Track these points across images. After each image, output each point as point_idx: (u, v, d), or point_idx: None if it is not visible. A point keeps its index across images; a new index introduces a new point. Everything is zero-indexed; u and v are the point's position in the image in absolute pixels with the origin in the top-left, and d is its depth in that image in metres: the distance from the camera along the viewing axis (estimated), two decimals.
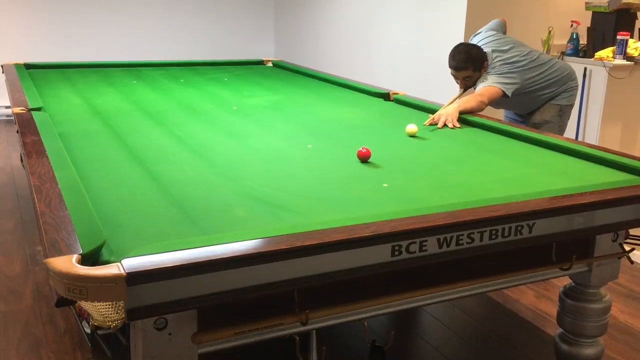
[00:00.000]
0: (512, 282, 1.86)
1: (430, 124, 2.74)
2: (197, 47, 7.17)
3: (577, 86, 3.35)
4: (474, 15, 4.68)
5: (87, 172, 1.93)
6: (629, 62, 4.60)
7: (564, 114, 3.30)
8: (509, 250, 1.65)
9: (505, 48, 3.18)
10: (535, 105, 3.29)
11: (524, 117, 3.38)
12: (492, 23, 3.46)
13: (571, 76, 3.30)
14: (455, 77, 3.17)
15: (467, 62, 3.08)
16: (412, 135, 2.53)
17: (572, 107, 3.35)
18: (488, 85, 3.04)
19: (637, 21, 4.97)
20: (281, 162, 2.14)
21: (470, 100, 2.93)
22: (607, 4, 4.86)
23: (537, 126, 3.21)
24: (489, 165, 2.18)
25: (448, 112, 2.79)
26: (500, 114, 3.59)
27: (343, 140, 2.48)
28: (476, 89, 3.09)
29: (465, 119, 2.80)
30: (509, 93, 3.05)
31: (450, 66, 3.13)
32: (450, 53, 3.14)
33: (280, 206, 1.68)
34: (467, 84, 3.16)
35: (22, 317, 2.66)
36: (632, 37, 4.77)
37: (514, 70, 3.11)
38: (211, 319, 1.42)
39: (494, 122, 2.73)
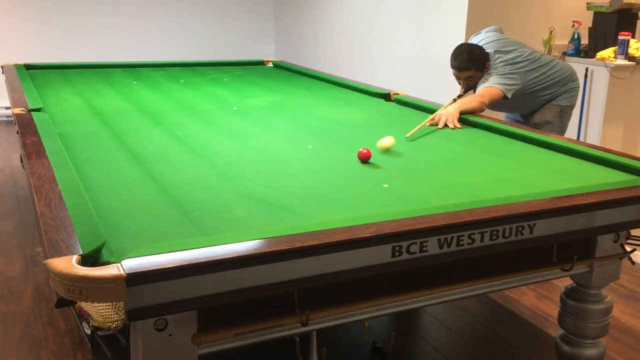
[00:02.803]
0: (513, 282, 1.85)
1: (431, 125, 2.74)
2: (197, 48, 7.17)
3: (578, 87, 3.35)
4: (475, 15, 4.68)
5: (87, 173, 1.93)
6: (630, 63, 4.60)
7: (564, 114, 3.29)
8: (509, 251, 1.65)
9: (507, 49, 3.18)
10: (536, 106, 3.28)
11: (525, 117, 3.38)
12: (490, 27, 3.46)
13: (572, 77, 3.30)
14: (458, 78, 3.16)
15: (470, 62, 3.07)
16: (386, 150, 2.24)
17: (572, 108, 3.35)
18: (489, 86, 3.03)
19: (638, 21, 4.97)
20: (281, 163, 2.14)
21: (471, 100, 2.93)
22: (608, 4, 4.86)
23: (537, 127, 3.20)
24: (490, 165, 2.18)
25: (448, 112, 2.78)
26: (501, 114, 3.58)
27: (343, 140, 2.48)
28: (477, 90, 3.09)
29: (465, 119, 2.80)
30: (509, 94, 3.05)
31: (453, 66, 3.13)
32: (453, 53, 3.13)
33: (280, 207, 1.68)
34: (469, 85, 3.15)
35: (22, 318, 2.66)
36: (633, 37, 4.77)
37: (515, 71, 3.10)
38: (211, 320, 1.41)
39: (494, 122, 2.73)
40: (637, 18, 4.93)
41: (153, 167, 2.03)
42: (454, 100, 3.02)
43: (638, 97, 4.73)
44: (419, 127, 2.65)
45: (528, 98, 3.21)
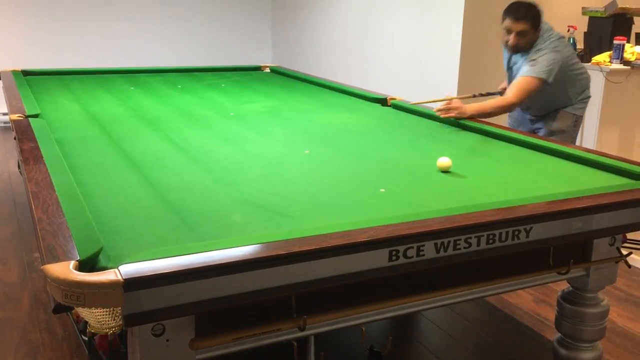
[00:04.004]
0: (510, 286, 1.86)
1: (440, 109, 2.76)
2: (194, 53, 7.18)
3: (590, 97, 3.29)
4: (471, 21, 4.69)
5: (85, 179, 1.93)
6: (625, 67, 4.61)
7: (577, 124, 3.25)
8: (506, 255, 1.65)
9: (548, 26, 3.11)
10: (554, 104, 3.18)
11: (535, 122, 3.29)
12: None
13: (589, 83, 3.26)
14: (509, 32, 3.00)
15: (528, 14, 2.94)
16: (445, 171, 2.11)
17: (582, 119, 3.32)
18: (525, 76, 2.92)
19: (633, 26, 4.99)
20: (278, 168, 2.14)
21: (492, 108, 2.88)
22: (603, 9, 4.88)
23: (552, 134, 3.14)
24: (486, 169, 2.18)
25: (461, 110, 2.77)
26: (500, 117, 3.56)
27: (340, 145, 2.48)
28: (514, 80, 2.99)
29: (463, 123, 2.80)
30: (550, 78, 2.92)
31: (508, 17, 2.98)
32: (508, 6, 3.01)
33: (278, 212, 1.68)
34: (518, 43, 3.00)
35: (20, 324, 2.65)
36: (628, 41, 4.78)
37: (561, 46, 2.99)
38: (209, 325, 1.41)
39: (491, 127, 2.73)
40: (632, 23, 4.95)
41: (150, 173, 2.04)
42: (474, 96, 2.97)
43: (633, 101, 4.74)
44: (430, 101, 2.65)
45: (557, 89, 3.08)
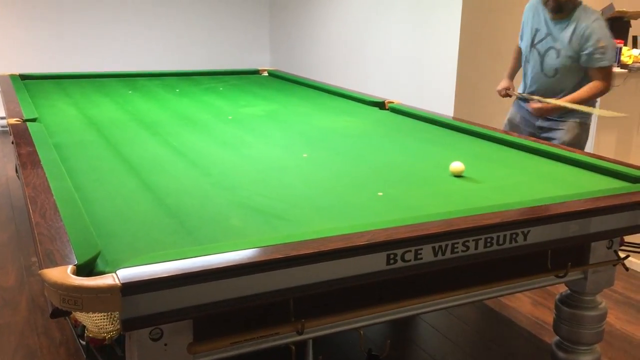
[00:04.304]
0: (508, 289, 1.86)
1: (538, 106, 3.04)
2: (192, 57, 7.19)
3: (597, 101, 3.31)
4: (469, 23, 4.70)
5: (82, 183, 1.93)
6: (622, 70, 4.62)
7: (588, 133, 3.26)
8: (504, 258, 1.65)
9: None
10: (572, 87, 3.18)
11: (545, 129, 3.23)
12: None
13: None
14: None
15: None
16: (458, 175, 2.11)
17: None
18: (605, 66, 2.99)
19: (630, 29, 5.01)
20: (277, 172, 2.15)
21: (590, 94, 3.02)
22: (600, 12, 4.88)
23: (567, 145, 3.05)
24: (484, 173, 2.19)
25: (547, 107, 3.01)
26: (498, 121, 3.57)
27: (338, 149, 2.48)
28: (592, 67, 3.03)
29: (460, 127, 2.81)
30: (615, 57, 3.03)
31: None
32: None
33: (276, 215, 1.68)
34: (559, 3, 2.98)
35: (17, 328, 2.65)
36: (625, 45, 4.80)
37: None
38: (207, 329, 1.41)
39: (489, 130, 2.74)
40: (629, 26, 4.97)
41: (148, 177, 2.04)
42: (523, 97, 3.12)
43: (631, 104, 4.75)
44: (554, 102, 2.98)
45: (584, 77, 3.12)
